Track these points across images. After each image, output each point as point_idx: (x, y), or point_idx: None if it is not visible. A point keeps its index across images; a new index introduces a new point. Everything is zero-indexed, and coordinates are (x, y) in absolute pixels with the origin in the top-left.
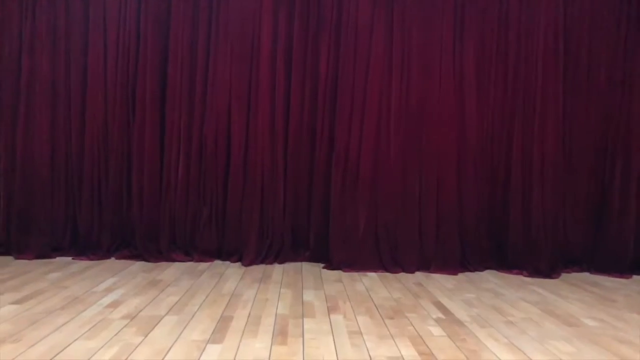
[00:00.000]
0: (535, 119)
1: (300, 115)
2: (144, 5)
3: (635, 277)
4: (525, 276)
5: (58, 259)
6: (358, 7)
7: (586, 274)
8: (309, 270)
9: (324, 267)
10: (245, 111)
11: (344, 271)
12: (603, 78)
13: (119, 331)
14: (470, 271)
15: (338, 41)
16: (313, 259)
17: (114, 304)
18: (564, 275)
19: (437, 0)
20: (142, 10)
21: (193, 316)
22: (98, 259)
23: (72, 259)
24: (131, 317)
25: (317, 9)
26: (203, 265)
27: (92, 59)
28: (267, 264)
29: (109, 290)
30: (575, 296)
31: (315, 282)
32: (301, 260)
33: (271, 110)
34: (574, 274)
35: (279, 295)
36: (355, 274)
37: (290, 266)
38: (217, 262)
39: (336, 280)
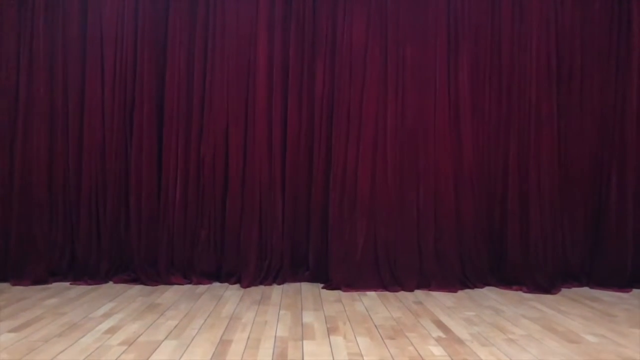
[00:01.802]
0: (531, 136)
1: (297, 135)
2: (141, 29)
3: (634, 290)
4: (524, 292)
5: (55, 284)
6: (352, 28)
7: (586, 289)
8: (309, 290)
9: (323, 287)
10: (242, 132)
11: (344, 291)
12: (596, 94)
13: (117, 358)
14: (470, 288)
15: (333, 61)
16: (312, 279)
17: (112, 330)
18: (563, 291)
19: (430, 19)
20: (139, 35)
21: (192, 340)
22: (96, 284)
23: (70, 284)
24: (129, 342)
25: (312, 29)
26: (202, 287)
27: (90, 82)
28: (266, 285)
29: (107, 315)
30: (576, 312)
31: (314, 302)
32: (300, 281)
33: (268, 131)
34: (574, 289)
35: (278, 317)
36: (355, 294)
37: (289, 287)
38: (216, 284)
39: (336, 301)
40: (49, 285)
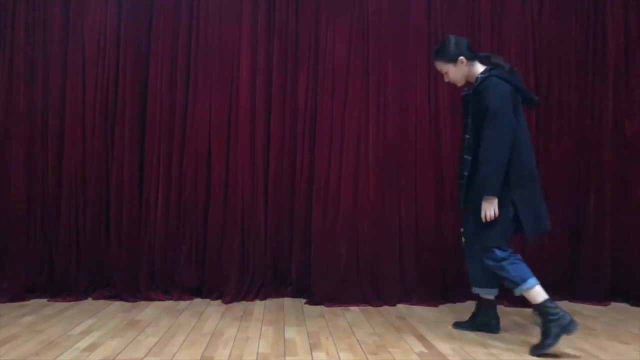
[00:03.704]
0: None
1: (280, 150)
2: (123, 44)
3: (613, 304)
4: (506, 306)
5: (33, 301)
6: (335, 43)
7: (566, 302)
8: (291, 306)
9: (306, 303)
10: (224, 147)
11: (326, 306)
12: (573, 111)
13: None
14: (452, 302)
15: (316, 76)
16: (295, 294)
17: (91, 347)
18: None
19: (411, 35)
20: (121, 50)
21: (173, 357)
22: (74, 300)
23: (48, 300)
24: None
25: (294, 43)
26: (183, 303)
27: (70, 97)
28: (248, 300)
29: (85, 332)
30: None
31: (297, 318)
32: (283, 296)
33: (251, 146)
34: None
35: (261, 333)
36: (338, 309)
37: (272, 302)
38: (197, 300)
39: (318, 316)
40: (26, 302)
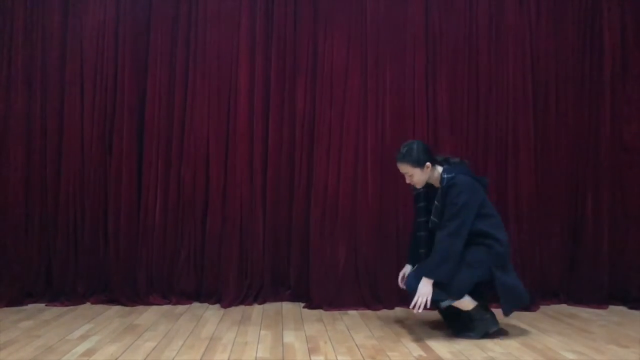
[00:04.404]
0: (508, 157)
1: (278, 155)
2: (122, 49)
3: (611, 307)
4: None
5: (30, 306)
6: (333, 49)
7: (564, 306)
8: (289, 310)
9: (304, 307)
10: (223, 152)
11: (325, 310)
12: (571, 116)
13: None
14: None
15: (314, 81)
16: (293, 298)
17: (89, 353)
18: (542, 308)
19: (408, 42)
20: (119, 55)
21: None
22: (72, 305)
23: (46, 305)
24: None
25: (293, 49)
26: (181, 307)
27: (69, 102)
28: (246, 304)
29: (83, 337)
30: (554, 329)
31: (295, 322)
32: (281, 300)
33: (249, 151)
34: (552, 306)
35: (259, 338)
36: (336, 313)
37: (270, 306)
38: (196, 304)
39: (317, 320)
40: (24, 307)
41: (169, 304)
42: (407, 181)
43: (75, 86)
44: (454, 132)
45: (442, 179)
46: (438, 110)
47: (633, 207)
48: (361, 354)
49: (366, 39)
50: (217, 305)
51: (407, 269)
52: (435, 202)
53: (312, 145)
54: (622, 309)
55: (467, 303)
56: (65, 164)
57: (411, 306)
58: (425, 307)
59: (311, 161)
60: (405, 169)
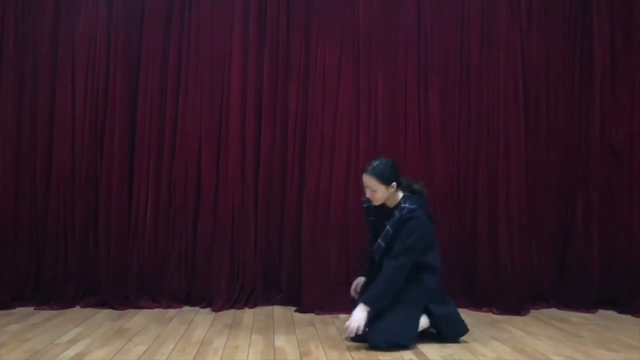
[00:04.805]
0: (499, 162)
1: (270, 158)
2: (113, 51)
3: (600, 311)
4: (494, 313)
5: (19, 309)
6: (326, 52)
7: (554, 310)
8: (281, 314)
9: (295, 311)
10: (215, 155)
11: (316, 314)
12: (562, 122)
13: None
14: None
15: (307, 85)
16: (285, 301)
17: (79, 356)
18: (532, 312)
19: (400, 48)
20: (111, 56)
21: None
22: (62, 308)
23: (34, 308)
24: None
25: (285, 54)
26: (172, 311)
27: (60, 103)
28: (237, 308)
29: (73, 341)
30: (544, 333)
31: (287, 326)
32: (273, 304)
33: (241, 154)
34: (542, 310)
35: (250, 342)
36: (328, 317)
37: (261, 310)
38: (186, 308)
39: (308, 324)
40: (12, 311)
41: (159, 307)
42: (367, 195)
43: (67, 87)
44: (445, 135)
45: (402, 207)
46: (430, 113)
47: (622, 212)
48: (353, 358)
49: (359, 43)
50: (208, 309)
51: (361, 280)
52: (387, 225)
53: (304, 148)
54: (612, 313)
55: (423, 324)
56: (55, 166)
57: (346, 334)
58: (356, 334)
59: (303, 164)
60: (371, 182)
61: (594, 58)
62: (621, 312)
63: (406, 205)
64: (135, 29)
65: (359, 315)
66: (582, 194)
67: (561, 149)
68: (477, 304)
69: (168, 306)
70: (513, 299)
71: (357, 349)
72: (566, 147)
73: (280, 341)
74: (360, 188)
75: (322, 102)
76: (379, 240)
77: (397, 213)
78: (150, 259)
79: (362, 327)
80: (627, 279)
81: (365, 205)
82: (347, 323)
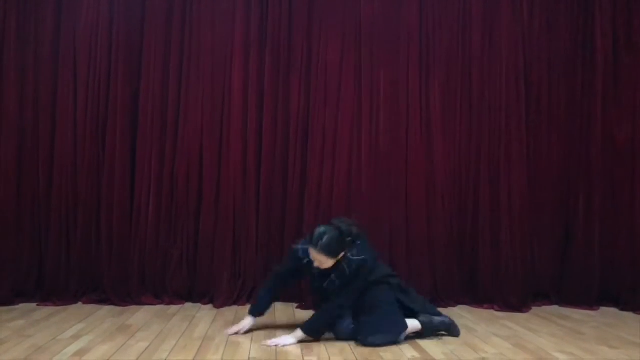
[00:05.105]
0: (500, 158)
1: (272, 153)
2: (115, 45)
3: (602, 308)
4: (496, 310)
5: (21, 305)
6: (327, 48)
7: (555, 307)
8: (282, 310)
9: (297, 307)
10: (216, 150)
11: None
12: (563, 117)
13: None
14: (443, 307)
15: (309, 81)
16: (286, 298)
17: (81, 352)
18: (534, 309)
19: (402, 43)
20: (113, 50)
21: None
22: (64, 304)
23: (37, 305)
24: None
25: (287, 48)
26: (174, 308)
27: (62, 97)
28: (239, 305)
29: (75, 337)
30: (546, 330)
31: (288, 323)
32: (274, 300)
33: (243, 149)
34: (544, 307)
35: (252, 338)
36: None
37: None
38: (188, 305)
39: None
40: (15, 307)
41: (161, 304)
42: (316, 264)
43: (68, 85)
44: (447, 130)
45: (350, 259)
46: (431, 109)
47: (624, 209)
48: (354, 355)
49: (360, 39)
50: (210, 306)
51: (246, 325)
52: (333, 275)
53: (306, 143)
54: (613, 310)
55: (415, 326)
56: (57, 163)
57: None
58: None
59: (305, 160)
60: (319, 256)
61: (596, 53)
62: (623, 309)
63: (353, 257)
64: (136, 24)
65: (287, 341)
66: (583, 191)
67: (563, 145)
68: (479, 301)
69: (170, 303)
70: (514, 296)
71: (359, 346)
72: (568, 143)
73: None
74: (361, 186)
75: (323, 97)
76: (324, 285)
77: (345, 267)
78: (152, 256)
79: (279, 345)
80: (629, 276)
81: (305, 261)
82: (274, 340)
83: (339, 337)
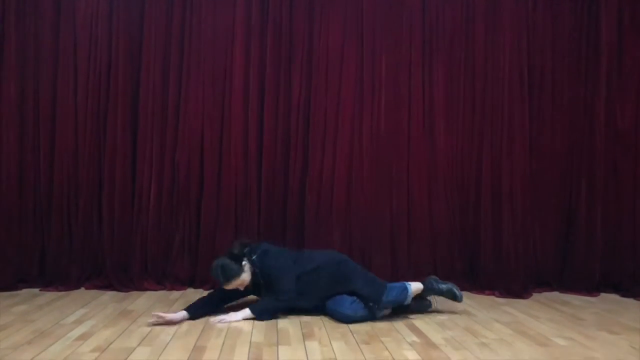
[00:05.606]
0: (503, 144)
1: (273, 141)
2: (115, 33)
3: (602, 295)
4: (497, 297)
5: (24, 290)
6: (329, 35)
7: (556, 293)
8: None
9: None
10: (217, 138)
11: None
12: (566, 105)
13: None
14: None
15: (310, 68)
16: None
17: (84, 337)
18: (535, 295)
19: (405, 29)
20: (113, 39)
21: (165, 347)
22: (67, 290)
23: (40, 290)
24: (101, 349)
25: (288, 36)
26: (176, 293)
27: (62, 86)
28: None
29: (78, 322)
30: (546, 316)
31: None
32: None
33: (244, 137)
34: (545, 294)
35: (254, 323)
36: None
37: None
38: (190, 290)
39: None
40: (18, 292)
41: (163, 289)
42: (241, 289)
43: (69, 68)
44: (450, 118)
45: (254, 261)
46: (434, 96)
47: (626, 195)
48: (355, 340)
49: (362, 26)
50: (212, 291)
51: (179, 316)
52: (258, 280)
53: (307, 131)
54: (614, 296)
55: (416, 288)
56: (58, 149)
57: (218, 320)
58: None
59: (306, 147)
60: (235, 285)
61: (600, 39)
62: (623, 295)
63: (254, 258)
64: (137, 12)
65: (235, 318)
66: (586, 177)
67: (566, 131)
68: (480, 287)
69: (172, 288)
70: (516, 282)
71: (360, 330)
72: (570, 130)
73: (284, 323)
74: (363, 173)
75: (325, 84)
76: (259, 282)
77: (256, 269)
78: (154, 242)
79: (223, 322)
80: (630, 263)
81: (232, 291)
82: (223, 317)
83: (355, 320)
